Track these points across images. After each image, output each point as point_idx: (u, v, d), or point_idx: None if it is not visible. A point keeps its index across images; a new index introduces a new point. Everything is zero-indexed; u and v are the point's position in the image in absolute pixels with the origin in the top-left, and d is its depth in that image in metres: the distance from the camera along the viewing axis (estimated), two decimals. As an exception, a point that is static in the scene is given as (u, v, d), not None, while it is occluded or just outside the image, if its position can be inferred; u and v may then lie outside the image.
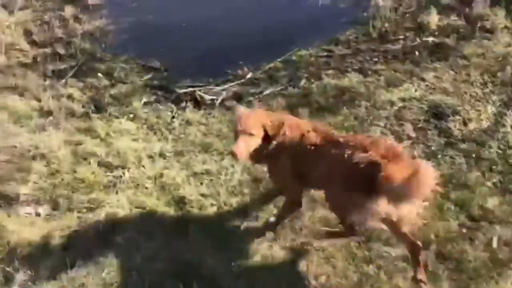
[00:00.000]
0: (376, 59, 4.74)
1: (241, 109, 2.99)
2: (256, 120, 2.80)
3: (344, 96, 4.31)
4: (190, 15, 5.72)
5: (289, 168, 2.85)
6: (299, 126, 2.84)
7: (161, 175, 3.69)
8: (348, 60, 4.77)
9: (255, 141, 2.77)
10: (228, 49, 5.13)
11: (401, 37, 5.06)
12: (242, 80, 4.65)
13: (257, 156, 2.85)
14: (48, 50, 5.36)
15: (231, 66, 4.93)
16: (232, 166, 3.67)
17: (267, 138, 2.79)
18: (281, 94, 4.42)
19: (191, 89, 4.63)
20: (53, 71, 5.05)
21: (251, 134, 2.75)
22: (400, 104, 4.18)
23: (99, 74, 4.94)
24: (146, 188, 3.60)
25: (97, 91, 4.68)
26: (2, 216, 3.33)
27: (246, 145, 2.74)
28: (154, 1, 6.13)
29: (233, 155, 2.78)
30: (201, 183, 3.60)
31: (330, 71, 4.67)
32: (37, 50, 5.34)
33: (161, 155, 3.86)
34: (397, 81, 4.45)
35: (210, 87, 4.63)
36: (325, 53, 4.98)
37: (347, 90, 4.36)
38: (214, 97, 4.44)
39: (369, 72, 4.60)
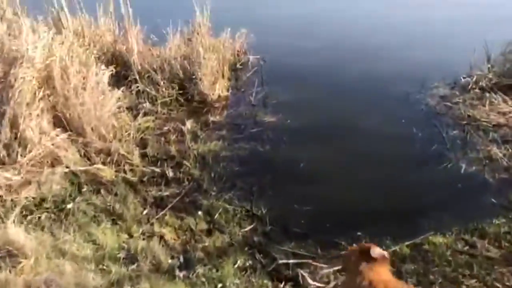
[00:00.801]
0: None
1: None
2: None
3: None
4: (311, 157, 5.12)
5: None
6: None
7: None
8: (498, 270, 3.67)
9: None
10: (346, 212, 4.35)
11: None
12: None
13: None
14: (157, 169, 5.03)
15: (345, 235, 4.10)
16: None
17: None
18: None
19: (293, 260, 3.86)
20: (155, 198, 4.63)
21: None
22: None
23: (199, 213, 4.43)
24: None
25: (192, 237, 4.15)
26: None
27: None
28: (276, 133, 5.59)
29: None
30: None
31: (471, 281, 3.60)
32: (147, 168, 5.04)
33: None
34: None
35: (317, 263, 3.82)
36: (466, 247, 3.94)
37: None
38: (321, 286, 3.61)
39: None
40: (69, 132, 5.39)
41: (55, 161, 4.99)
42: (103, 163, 5.12)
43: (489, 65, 6.61)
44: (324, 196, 4.58)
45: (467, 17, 9.39)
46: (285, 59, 7.89)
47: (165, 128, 5.93)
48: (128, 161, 5.13)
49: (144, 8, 8.84)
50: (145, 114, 6.23)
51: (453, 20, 9.25)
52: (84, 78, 5.88)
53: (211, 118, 6.08)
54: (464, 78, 6.57)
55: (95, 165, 4.98)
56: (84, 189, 4.72)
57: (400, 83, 6.70)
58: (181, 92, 6.65)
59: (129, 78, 6.83)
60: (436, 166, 4.97)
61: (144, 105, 6.36)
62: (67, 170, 4.86)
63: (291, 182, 4.83)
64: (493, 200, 4.41)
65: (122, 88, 6.38)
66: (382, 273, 2.70)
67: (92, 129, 5.44)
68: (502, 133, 5.30)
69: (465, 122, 5.66)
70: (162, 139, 5.68)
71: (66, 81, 5.78)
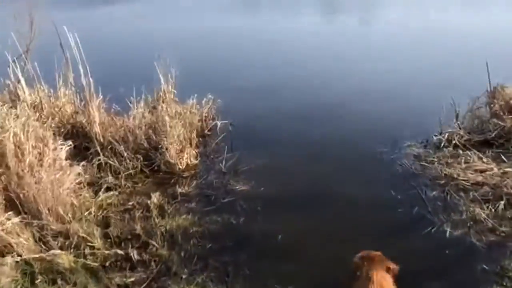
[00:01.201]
0: None
1: None
2: None
3: None
4: (288, 228, 4.81)
5: None
6: None
7: None
8: None
9: None
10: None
11: None
12: None
13: None
14: (121, 251, 4.55)
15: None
16: None
17: None
18: None
19: None
20: (118, 286, 4.15)
21: None
22: None
23: (168, 302, 3.94)
24: None
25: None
26: None
27: None
28: (250, 203, 5.29)
29: None
30: None
31: None
32: (110, 250, 4.55)
33: None
34: None
35: None
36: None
37: None
38: None
39: None
40: (23, 215, 4.87)
41: (5, 249, 4.46)
42: (61, 248, 4.62)
43: (458, 122, 6.57)
44: (306, 273, 4.20)
45: (433, 77, 9.57)
46: (254, 122, 7.72)
47: (130, 203, 5.50)
48: (89, 243, 4.61)
49: (107, 77, 8.66)
50: (107, 189, 5.81)
51: (421, 81, 9.38)
52: (40, 154, 5.46)
53: (179, 190, 5.70)
54: (435, 136, 6.48)
55: (51, 251, 4.47)
56: (39, 280, 4.21)
57: (373, 143, 6.58)
58: (146, 163, 6.29)
59: (91, 151, 6.42)
60: (420, 231, 4.70)
61: (107, 179, 5.94)
62: (18, 259, 4.33)
63: (269, 258, 4.46)
64: (484, 266, 4.15)
65: (82, 163, 5.99)
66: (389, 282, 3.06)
67: (49, 210, 4.97)
68: (482, 192, 5.13)
69: (443, 181, 5.49)
70: (126, 216, 5.24)
71: (21, 158, 5.34)
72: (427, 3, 18.98)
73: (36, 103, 7.73)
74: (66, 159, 6.35)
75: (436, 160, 5.98)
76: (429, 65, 10.50)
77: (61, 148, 5.39)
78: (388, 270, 3.17)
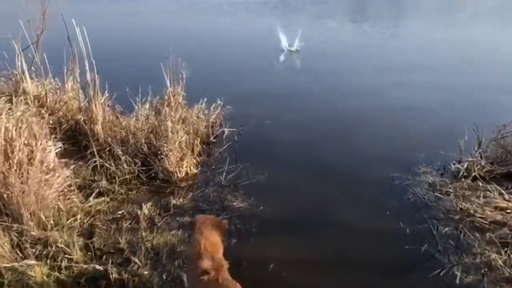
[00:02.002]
0: None
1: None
2: None
3: None
4: (282, 256, 4.44)
5: None
6: None
7: None
8: None
9: None
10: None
11: None
12: None
13: None
14: (99, 266, 4.25)
15: None
16: None
17: None
18: None
19: None
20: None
21: None
22: None
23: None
24: None
25: None
26: None
27: None
28: (245, 223, 4.97)
29: None
30: None
31: None
32: (88, 264, 4.25)
33: None
34: None
35: None
36: None
37: None
38: None
39: None
40: (4, 217, 4.59)
41: (-22, 254, 4.17)
42: (38, 257, 4.31)
43: (480, 150, 6.05)
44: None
45: (457, 98, 9.05)
46: (262, 133, 7.37)
47: (119, 212, 5.19)
48: (67, 256, 4.29)
49: (114, 73, 8.41)
50: (99, 194, 5.49)
51: (442, 100, 8.88)
52: (32, 152, 5.18)
53: (173, 201, 5.36)
54: (454, 164, 5.98)
55: (25, 261, 4.16)
56: (6, 292, 3.87)
57: (385, 166, 6.13)
58: (144, 168, 5.96)
59: (89, 151, 6.14)
60: (427, 273, 4.26)
61: (100, 183, 5.62)
62: (-12, 266, 4.03)
63: (257, 288, 4.02)
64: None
65: (79, 162, 5.72)
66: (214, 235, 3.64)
67: (30, 214, 4.66)
68: (500, 233, 4.64)
69: (457, 217, 5.02)
70: (113, 226, 4.92)
71: (10, 156, 5.07)
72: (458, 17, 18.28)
73: (41, 96, 7.50)
74: (63, 158, 6.11)
75: (452, 191, 5.50)
76: (454, 84, 9.96)
77: (49, 150, 4.98)
78: (217, 226, 3.77)
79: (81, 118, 6.52)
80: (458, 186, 5.62)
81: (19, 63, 7.25)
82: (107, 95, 6.95)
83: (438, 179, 5.84)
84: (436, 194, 5.51)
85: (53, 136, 5.94)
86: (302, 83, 10.32)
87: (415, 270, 4.35)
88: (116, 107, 6.91)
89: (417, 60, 12.34)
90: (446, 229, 4.89)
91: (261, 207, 5.29)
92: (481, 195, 5.32)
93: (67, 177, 5.28)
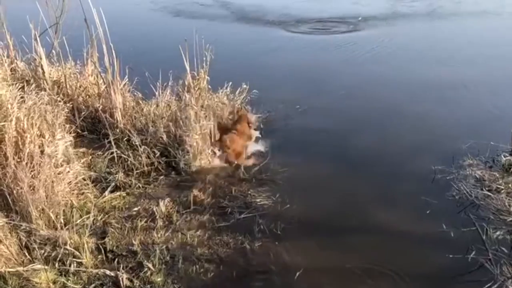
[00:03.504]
0: None
1: None
2: None
3: None
4: (311, 263, 3.98)
5: None
6: None
7: None
8: None
9: None
10: None
11: None
12: None
13: None
14: (110, 272, 3.92)
15: None
16: None
17: None
18: None
19: None
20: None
21: None
22: None
23: None
24: None
25: None
26: None
27: None
28: (270, 222, 4.53)
29: None
30: None
31: None
32: (98, 269, 3.93)
33: None
34: None
35: None
36: None
37: None
38: None
39: None
40: (13, 215, 4.31)
41: (-17, 256, 3.91)
42: (46, 260, 3.99)
43: (536, 140, 5.37)
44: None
45: (508, 80, 8.21)
46: (290, 120, 6.84)
47: (135, 208, 4.85)
48: (76, 259, 3.97)
49: (136, 57, 8.01)
50: (116, 188, 5.15)
51: (491, 83, 8.05)
52: (43, 145, 4.86)
53: (193, 196, 4.96)
54: (505, 156, 5.32)
55: (30, 265, 3.86)
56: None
57: (425, 158, 5.55)
58: (163, 159, 5.56)
59: (109, 139, 5.80)
60: (475, 287, 3.67)
61: (117, 176, 5.26)
62: (-7, 271, 3.75)
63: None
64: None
65: (95, 153, 5.40)
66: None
67: (40, 211, 4.34)
68: (561, 240, 3.99)
69: (510, 218, 4.41)
70: (128, 224, 4.58)
71: (21, 148, 4.78)
72: None
73: (61, 81, 7.20)
74: (81, 147, 5.82)
75: (503, 188, 4.90)
76: (504, 63, 9.06)
77: (57, 144, 4.64)
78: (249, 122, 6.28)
79: (97, 105, 6.12)
80: (511, 181, 4.96)
81: (38, 48, 6.92)
82: (127, 80, 6.55)
83: (486, 173, 5.22)
84: (484, 191, 4.86)
85: (68, 125, 5.59)
86: (335, 66, 9.62)
87: (462, 282, 3.86)
88: (135, 93, 6.48)
89: (463, 40, 11.39)
90: (497, 233, 4.31)
91: (287, 205, 4.83)
92: (538, 193, 4.65)
93: (82, 169, 4.91)
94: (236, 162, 5.69)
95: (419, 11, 14.03)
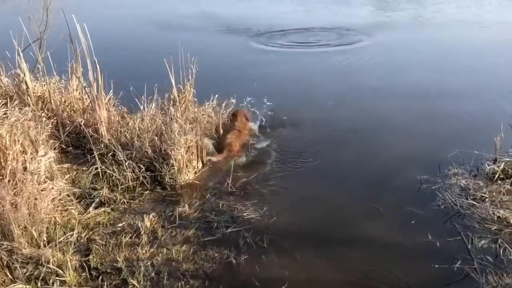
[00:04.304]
0: None
1: None
2: None
3: None
4: (296, 277, 3.96)
5: None
6: None
7: None
8: None
9: None
10: None
11: None
12: None
13: None
14: (95, 289, 3.80)
15: None
16: None
17: None
18: None
19: None
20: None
21: None
22: None
23: None
24: None
25: None
26: None
27: None
28: (257, 236, 4.51)
29: None
30: None
31: None
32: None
33: None
34: None
35: None
36: None
37: None
38: None
39: None
40: (-6, 233, 4.23)
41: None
42: (28, 279, 3.92)
43: (518, 148, 5.43)
44: None
45: (491, 90, 8.31)
46: (276, 131, 6.80)
47: (120, 224, 4.79)
48: (59, 278, 3.90)
49: (122, 71, 7.99)
50: (100, 204, 5.09)
51: (474, 93, 8.15)
52: (26, 161, 4.80)
53: (179, 210, 4.92)
54: (489, 164, 5.36)
55: (12, 285, 3.78)
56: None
57: (411, 168, 5.59)
58: (148, 173, 5.52)
59: (93, 154, 5.74)
60: (462, 296, 3.67)
61: (101, 191, 5.21)
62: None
63: None
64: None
65: (79, 169, 5.35)
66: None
67: (22, 229, 4.27)
68: (546, 248, 4.02)
69: (495, 227, 4.46)
70: (113, 241, 4.52)
71: (3, 165, 4.72)
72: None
73: (45, 97, 7.15)
74: (66, 163, 5.76)
75: (487, 196, 4.92)
76: (486, 73, 9.19)
77: (39, 160, 4.59)
78: (246, 116, 6.72)
79: (81, 120, 6.08)
80: (495, 190, 5.04)
81: (21, 63, 6.87)
82: (112, 94, 6.53)
83: (471, 182, 5.26)
84: (469, 200, 4.89)
85: (52, 141, 5.54)
86: (322, 77, 9.66)
87: (450, 292, 3.79)
88: (120, 107, 6.45)
89: (446, 48, 11.54)
90: (483, 242, 4.33)
91: (275, 218, 4.81)
92: (522, 201, 4.69)
93: (66, 186, 4.86)
94: (240, 156, 6.12)
95: (401, 21, 14.20)
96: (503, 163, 5.31)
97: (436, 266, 4.03)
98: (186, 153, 5.64)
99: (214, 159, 6.00)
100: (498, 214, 4.64)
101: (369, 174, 5.61)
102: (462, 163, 5.67)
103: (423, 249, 4.28)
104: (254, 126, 6.92)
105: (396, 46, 11.62)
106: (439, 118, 7.15)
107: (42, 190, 4.65)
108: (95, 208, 5.05)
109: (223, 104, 7.06)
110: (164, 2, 18.42)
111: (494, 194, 4.97)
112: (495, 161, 5.53)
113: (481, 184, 5.20)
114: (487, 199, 4.90)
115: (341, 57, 10.75)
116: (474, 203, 4.87)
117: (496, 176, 5.23)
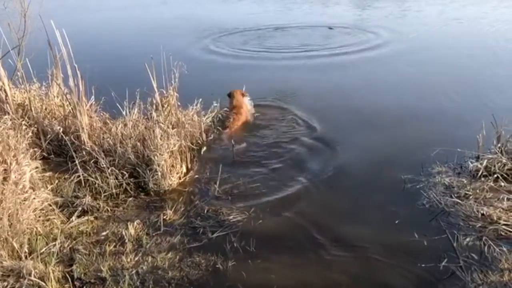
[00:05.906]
0: None
1: None
2: None
3: None
4: (284, 281, 3.90)
5: None
6: None
7: None
8: None
9: None
10: None
11: None
12: None
13: None
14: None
15: None
16: None
17: None
18: None
19: None
20: None
21: None
22: None
23: None
24: None
25: None
26: None
27: None
28: (243, 241, 4.48)
29: None
30: None
31: None
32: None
33: None
34: None
35: None
36: None
37: None
38: None
39: None
40: (-26, 246, 4.13)
41: None
42: (9, 292, 3.82)
43: (500, 145, 5.47)
44: None
45: (473, 88, 8.39)
46: (261, 134, 6.78)
47: (104, 233, 4.71)
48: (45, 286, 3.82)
49: (103, 76, 7.89)
50: (83, 213, 5.00)
51: (455, 91, 8.22)
52: (5, 171, 4.70)
53: (164, 217, 4.84)
54: (472, 162, 5.40)
55: (-7, 299, 3.68)
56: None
57: (395, 168, 5.60)
58: (132, 180, 5.45)
59: (75, 162, 5.64)
60: (449, 295, 3.67)
61: (84, 200, 5.12)
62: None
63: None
64: None
65: (61, 177, 5.25)
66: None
67: (2, 241, 4.18)
68: (530, 244, 4.05)
69: (479, 224, 4.48)
70: (97, 250, 4.44)
71: (-18, 176, 4.60)
72: None
73: (25, 104, 7.02)
74: (47, 171, 5.66)
75: (471, 194, 4.95)
76: (467, 71, 9.28)
77: (23, 171, 4.50)
78: (242, 95, 7.38)
79: (60, 128, 5.97)
80: (478, 187, 5.07)
81: (-1, 71, 6.73)
82: (93, 100, 6.43)
83: (455, 180, 5.28)
84: (453, 198, 4.92)
85: (32, 149, 5.43)
86: (306, 83, 9.66)
87: (436, 292, 3.80)
88: (102, 113, 6.36)
89: (429, 48, 11.64)
90: (467, 239, 4.35)
91: (261, 221, 4.77)
92: (505, 198, 4.74)
93: (48, 195, 4.76)
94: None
95: (384, 23, 14.30)
96: (485, 160, 5.35)
97: (423, 265, 4.02)
98: (169, 158, 5.56)
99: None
100: (482, 212, 4.66)
101: (354, 176, 5.62)
102: (445, 161, 5.69)
103: (410, 248, 4.29)
104: (250, 103, 7.53)
105: (378, 48, 11.64)
106: (421, 117, 7.19)
107: (24, 200, 4.54)
108: (78, 217, 4.96)
109: (209, 109, 7.02)
110: (143, 5, 18.30)
111: (477, 191, 4.99)
112: (478, 158, 5.56)
113: (465, 181, 5.22)
114: (471, 197, 4.93)
115: (326, 60, 10.75)
116: (459, 201, 4.89)
117: (480, 173, 5.27)
